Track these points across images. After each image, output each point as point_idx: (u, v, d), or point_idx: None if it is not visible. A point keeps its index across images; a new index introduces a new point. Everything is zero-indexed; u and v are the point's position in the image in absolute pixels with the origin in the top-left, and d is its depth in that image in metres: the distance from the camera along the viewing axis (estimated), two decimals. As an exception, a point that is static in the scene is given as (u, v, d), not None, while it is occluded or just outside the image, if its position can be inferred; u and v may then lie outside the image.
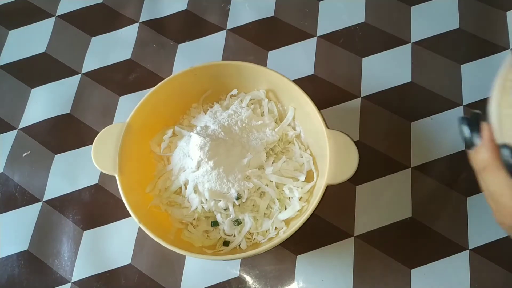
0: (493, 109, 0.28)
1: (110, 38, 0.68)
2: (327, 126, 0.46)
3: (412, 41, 0.63)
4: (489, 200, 0.31)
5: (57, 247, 0.56)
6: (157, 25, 0.68)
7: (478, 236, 0.52)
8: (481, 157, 0.29)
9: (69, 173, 0.60)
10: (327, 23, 0.66)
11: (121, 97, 0.64)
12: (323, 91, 0.60)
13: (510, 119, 0.28)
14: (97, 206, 0.58)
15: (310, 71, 0.62)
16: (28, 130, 0.63)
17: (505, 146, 0.28)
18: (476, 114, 0.30)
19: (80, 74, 0.66)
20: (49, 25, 0.70)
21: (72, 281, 0.54)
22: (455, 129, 0.57)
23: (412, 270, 0.52)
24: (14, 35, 0.71)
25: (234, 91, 0.55)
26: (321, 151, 0.48)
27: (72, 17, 0.70)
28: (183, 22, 0.68)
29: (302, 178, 0.51)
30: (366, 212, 0.54)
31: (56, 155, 0.61)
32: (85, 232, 0.57)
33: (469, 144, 0.30)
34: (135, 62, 0.66)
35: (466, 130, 0.30)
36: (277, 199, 0.50)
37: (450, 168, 0.56)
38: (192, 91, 0.55)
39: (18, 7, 0.72)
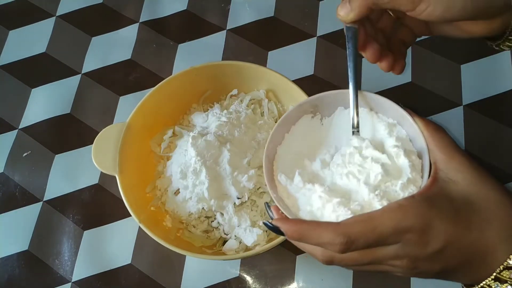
0: (272, 195, 0.36)
1: (110, 38, 0.68)
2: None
3: (412, 41, 0.63)
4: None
5: (57, 247, 0.56)
6: (157, 25, 0.68)
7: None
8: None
9: (69, 173, 0.60)
10: (327, 23, 0.66)
11: (121, 97, 0.64)
12: (323, 91, 0.60)
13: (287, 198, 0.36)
14: (97, 206, 0.58)
15: (310, 71, 0.62)
16: (28, 130, 0.63)
17: (267, 204, 0.37)
18: (267, 203, 0.38)
19: (80, 74, 0.66)
20: (49, 25, 0.70)
21: (73, 280, 0.54)
22: (455, 130, 0.57)
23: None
24: (14, 35, 0.71)
25: (234, 91, 0.55)
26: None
27: (72, 17, 0.70)
28: (183, 22, 0.68)
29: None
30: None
31: (56, 155, 0.61)
32: (85, 232, 0.57)
33: (271, 218, 0.36)
34: (135, 62, 0.66)
35: (269, 211, 0.36)
36: (277, 199, 0.50)
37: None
38: (192, 91, 0.55)
39: (18, 7, 0.72)
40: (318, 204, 0.34)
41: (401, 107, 0.36)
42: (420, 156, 0.35)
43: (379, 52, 0.39)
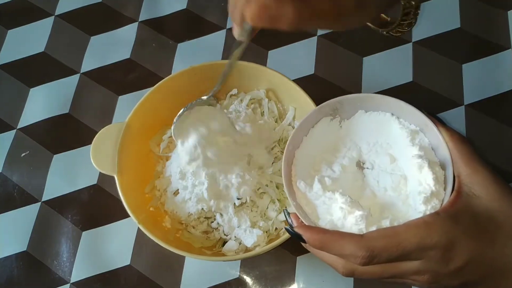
0: (291, 203, 0.36)
1: (109, 38, 0.68)
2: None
3: (413, 41, 0.63)
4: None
5: (56, 247, 0.56)
6: (156, 25, 0.68)
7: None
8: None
9: (68, 173, 0.60)
10: (327, 23, 0.65)
11: (120, 97, 0.64)
12: (324, 90, 0.60)
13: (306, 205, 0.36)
14: (96, 206, 0.58)
15: (311, 71, 0.62)
16: (26, 130, 0.63)
17: (286, 211, 0.36)
18: (286, 210, 0.37)
19: (79, 74, 0.66)
20: (48, 24, 0.70)
21: (71, 281, 0.54)
22: (456, 129, 0.57)
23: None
24: (13, 34, 0.70)
25: (234, 91, 0.55)
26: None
27: (71, 17, 0.70)
28: (183, 22, 0.68)
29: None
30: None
31: (55, 155, 0.61)
32: (84, 232, 0.56)
33: (291, 225, 0.36)
34: (135, 61, 0.66)
35: (288, 218, 0.36)
36: (277, 199, 0.50)
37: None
38: (191, 91, 0.55)
39: (17, 7, 0.72)
40: (339, 215, 0.33)
41: (425, 114, 0.36)
42: (443, 167, 0.34)
43: None
